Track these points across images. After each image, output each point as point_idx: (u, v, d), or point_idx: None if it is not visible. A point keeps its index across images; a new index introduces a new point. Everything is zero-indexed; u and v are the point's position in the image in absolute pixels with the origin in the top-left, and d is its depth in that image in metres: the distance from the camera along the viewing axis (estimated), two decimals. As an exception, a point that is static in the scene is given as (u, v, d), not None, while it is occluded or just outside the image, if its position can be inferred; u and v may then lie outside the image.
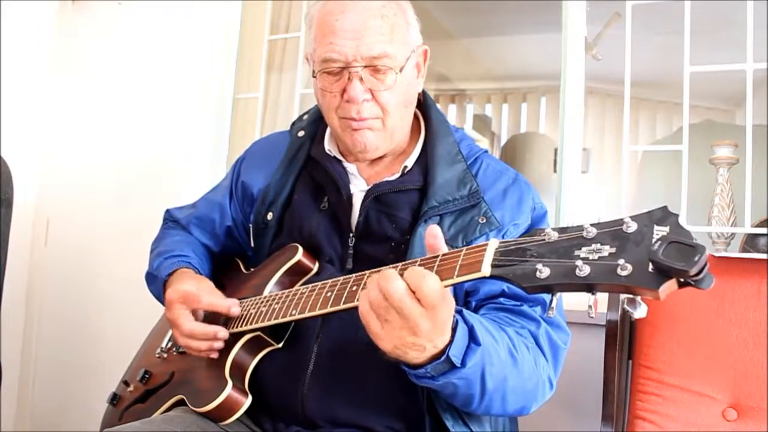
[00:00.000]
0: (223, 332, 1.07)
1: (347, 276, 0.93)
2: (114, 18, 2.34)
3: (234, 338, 1.08)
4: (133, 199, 2.20)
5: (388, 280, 0.77)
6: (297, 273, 1.13)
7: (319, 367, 1.06)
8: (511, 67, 3.78)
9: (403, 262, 0.85)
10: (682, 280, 0.61)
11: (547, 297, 0.70)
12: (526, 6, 2.88)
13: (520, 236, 0.77)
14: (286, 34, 2.26)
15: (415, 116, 1.19)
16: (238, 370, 1.07)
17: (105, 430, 1.10)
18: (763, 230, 1.70)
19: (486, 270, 0.74)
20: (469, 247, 0.79)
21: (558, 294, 0.69)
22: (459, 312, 0.88)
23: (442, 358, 0.84)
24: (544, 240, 0.71)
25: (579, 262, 0.66)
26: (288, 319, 0.99)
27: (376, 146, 1.10)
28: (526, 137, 3.77)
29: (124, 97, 2.29)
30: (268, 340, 1.09)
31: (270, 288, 1.11)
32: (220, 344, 1.08)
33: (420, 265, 0.81)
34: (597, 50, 2.03)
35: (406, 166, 1.13)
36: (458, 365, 0.85)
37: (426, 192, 1.09)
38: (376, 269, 0.88)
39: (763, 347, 1.35)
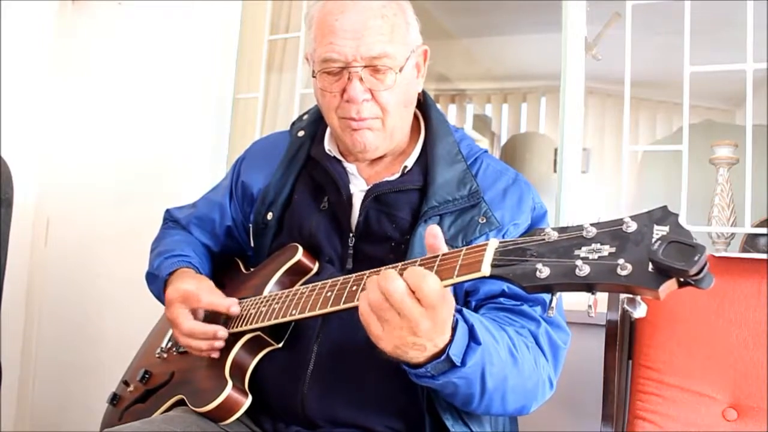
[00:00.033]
0: (222, 331, 1.07)
1: (347, 276, 0.93)
2: (114, 18, 2.34)
3: (234, 338, 1.08)
4: (133, 199, 2.20)
5: (388, 280, 0.77)
6: (297, 273, 1.13)
7: (319, 367, 1.06)
8: (511, 67, 3.78)
9: (403, 262, 0.85)
10: (682, 279, 0.61)
11: (546, 297, 0.70)
12: (526, 6, 2.88)
13: (520, 236, 0.77)
14: (286, 34, 2.26)
15: (415, 116, 1.19)
16: (238, 370, 1.07)
17: (105, 430, 1.10)
18: (763, 230, 1.70)
19: (486, 270, 0.74)
20: (469, 247, 0.79)
21: (558, 294, 0.69)
22: (459, 311, 0.88)
23: (442, 357, 0.84)
24: (543, 240, 0.71)
25: (579, 262, 0.66)
26: (288, 318, 0.99)
27: (376, 146, 1.10)
28: (526, 137, 3.77)
29: (124, 97, 2.29)
30: (268, 340, 1.09)
31: (270, 288, 1.11)
32: (220, 343, 1.08)
33: (420, 265, 0.81)
34: (597, 50, 2.03)
35: (406, 166, 1.13)
36: (458, 364, 0.85)
37: (426, 192, 1.09)
38: (375, 269, 0.88)
39: (763, 347, 1.35)
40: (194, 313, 1.11)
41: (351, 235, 1.12)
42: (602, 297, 1.49)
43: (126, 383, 1.29)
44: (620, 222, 0.67)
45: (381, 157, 1.16)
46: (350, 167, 1.16)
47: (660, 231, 0.64)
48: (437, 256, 0.81)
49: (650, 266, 0.62)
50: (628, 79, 1.73)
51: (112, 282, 2.20)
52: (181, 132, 2.20)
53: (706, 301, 1.41)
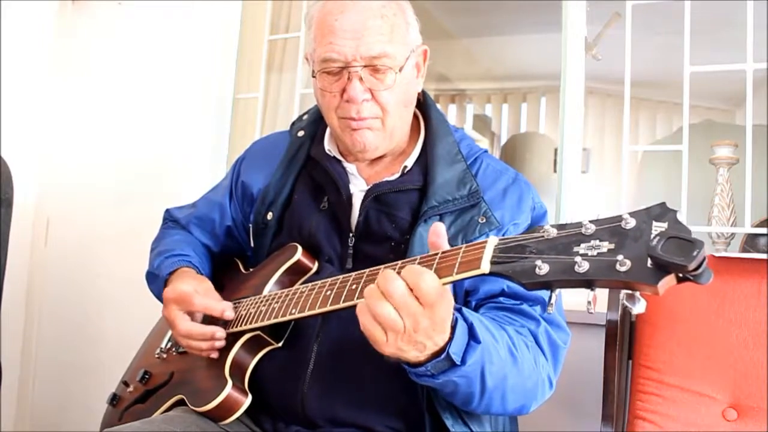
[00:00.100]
0: (220, 332, 1.07)
1: (347, 275, 0.93)
2: (114, 18, 2.34)
3: (234, 338, 1.08)
4: (133, 199, 2.20)
5: (388, 280, 0.77)
6: (296, 272, 1.13)
7: (319, 366, 1.06)
8: (511, 67, 3.78)
9: (402, 261, 0.85)
10: (680, 275, 0.61)
11: (546, 294, 0.70)
12: (526, 6, 2.88)
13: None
14: (286, 34, 2.26)
15: (415, 116, 1.19)
16: (237, 369, 1.07)
17: (105, 430, 1.10)
18: (763, 230, 1.70)
19: (485, 267, 0.74)
20: (469, 244, 0.79)
21: (557, 291, 0.69)
22: (458, 310, 0.88)
23: (442, 356, 0.84)
24: (543, 237, 0.71)
25: (578, 259, 0.66)
26: (287, 318, 0.99)
27: (376, 146, 1.10)
28: (526, 137, 3.77)
29: (124, 97, 2.29)
30: (268, 339, 1.09)
31: (269, 287, 1.11)
32: (220, 343, 1.08)
33: (419, 263, 0.81)
34: (597, 50, 2.03)
35: (405, 166, 1.13)
36: (458, 363, 0.85)
37: (426, 192, 1.09)
38: (375, 268, 0.88)
39: (763, 347, 1.35)
40: (192, 313, 1.11)
41: (351, 235, 1.12)
42: (602, 297, 1.49)
43: (126, 384, 1.29)
44: (619, 218, 0.67)
45: (381, 157, 1.16)
46: (350, 167, 1.16)
47: (659, 227, 0.64)
48: (436, 254, 0.81)
49: (649, 262, 0.62)
50: (628, 79, 1.73)
51: (112, 282, 2.20)
52: (181, 132, 2.20)
53: (706, 301, 1.41)
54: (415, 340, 0.79)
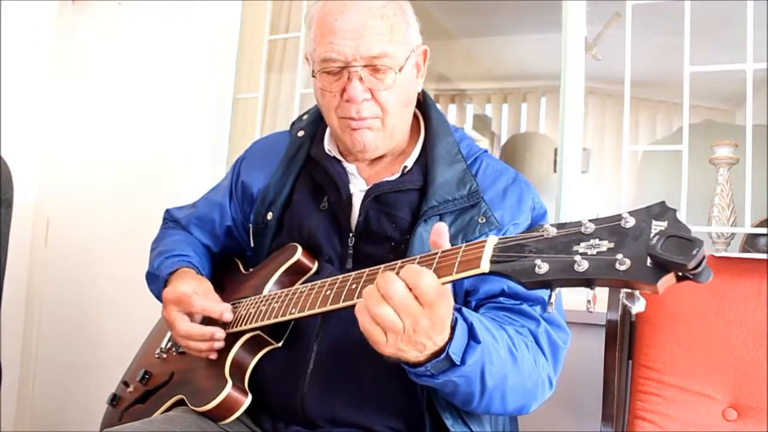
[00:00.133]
0: (220, 333, 1.07)
1: (346, 274, 0.93)
2: (114, 18, 2.34)
3: (233, 337, 1.08)
4: (133, 199, 2.20)
5: (388, 283, 0.77)
6: (296, 272, 1.13)
7: (319, 366, 1.06)
8: (511, 67, 3.78)
9: (402, 260, 0.85)
10: (680, 274, 0.61)
11: (546, 294, 0.70)
12: (526, 6, 2.88)
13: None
14: (286, 34, 2.26)
15: (415, 116, 1.19)
16: (237, 369, 1.06)
17: (105, 430, 1.10)
18: (763, 230, 1.70)
19: (485, 266, 0.74)
20: (468, 243, 0.79)
21: (557, 290, 0.69)
22: (458, 310, 0.88)
23: (442, 356, 0.84)
24: (542, 236, 0.71)
25: (577, 258, 0.66)
26: (287, 317, 0.99)
27: (376, 146, 1.10)
28: (526, 137, 3.77)
29: (124, 98, 2.29)
30: (268, 339, 1.09)
31: (269, 287, 1.11)
32: (220, 344, 1.08)
33: (419, 262, 0.81)
34: (597, 50, 2.03)
35: (405, 166, 1.13)
36: (458, 363, 0.85)
37: (426, 192, 1.09)
38: (375, 267, 0.88)
39: (763, 347, 1.34)
40: (191, 314, 1.10)
41: (351, 234, 1.12)
42: (602, 297, 1.49)
43: (126, 384, 1.29)
44: (618, 217, 0.67)
45: (381, 157, 1.16)
46: (350, 167, 1.16)
47: (658, 226, 0.64)
48: (436, 254, 0.81)
49: (649, 261, 0.62)
50: (628, 79, 1.73)
51: (112, 282, 2.20)
52: (181, 132, 2.20)
53: (706, 301, 1.41)
54: (415, 341, 0.79)
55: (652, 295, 0.63)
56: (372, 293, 0.78)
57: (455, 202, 1.07)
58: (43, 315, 2.33)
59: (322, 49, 1.05)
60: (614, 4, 2.02)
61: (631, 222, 0.66)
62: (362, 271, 0.90)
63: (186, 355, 1.16)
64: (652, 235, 0.63)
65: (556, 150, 1.86)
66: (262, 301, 1.07)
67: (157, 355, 1.25)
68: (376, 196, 1.11)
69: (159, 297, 1.22)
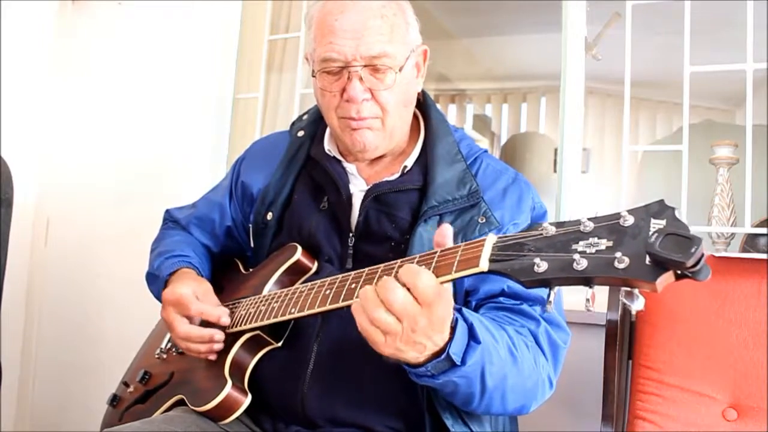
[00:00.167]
0: (219, 335, 1.07)
1: (346, 273, 0.93)
2: (114, 18, 2.34)
3: (233, 337, 1.08)
4: (133, 199, 2.20)
5: (389, 291, 0.77)
6: (296, 272, 1.13)
7: (319, 366, 1.06)
8: (511, 67, 3.78)
9: (401, 259, 0.85)
10: (679, 271, 0.61)
11: (545, 293, 0.70)
12: (526, 6, 2.88)
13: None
14: (286, 34, 2.26)
15: (415, 116, 1.19)
16: (237, 369, 1.06)
17: (105, 430, 1.10)
18: (763, 230, 1.70)
19: (484, 265, 0.74)
20: (467, 242, 0.79)
21: (556, 288, 0.69)
22: (458, 310, 0.88)
23: (443, 356, 0.84)
24: (541, 234, 0.71)
25: (576, 256, 0.66)
26: (287, 317, 0.99)
27: (376, 146, 1.10)
28: (526, 137, 3.76)
29: (124, 98, 2.29)
30: (268, 339, 1.09)
31: (269, 287, 1.11)
32: (219, 345, 1.08)
33: (418, 261, 0.81)
34: (597, 50, 2.03)
35: (405, 166, 1.13)
36: (458, 363, 0.85)
37: (426, 192, 1.09)
38: (374, 267, 0.88)
39: (763, 347, 1.34)
40: (189, 316, 1.10)
41: (351, 234, 1.12)
42: (602, 297, 1.49)
43: (126, 384, 1.29)
44: (617, 216, 0.67)
45: (381, 157, 1.16)
46: (350, 167, 1.16)
47: (657, 224, 0.64)
48: (435, 253, 0.81)
49: (647, 259, 0.62)
50: (628, 79, 1.73)
51: (112, 282, 2.20)
52: (181, 132, 2.20)
53: (706, 301, 1.41)
54: (414, 341, 0.79)
55: (652, 294, 0.63)
56: (370, 297, 0.78)
57: (455, 202, 1.07)
58: (43, 315, 2.33)
59: (322, 49, 1.05)
60: (614, 4, 2.02)
61: (630, 220, 0.66)
62: (361, 270, 0.90)
63: (186, 356, 1.16)
64: (650, 233, 0.63)
65: (556, 150, 1.86)
66: (261, 301, 1.07)
67: (157, 356, 1.25)
68: (376, 196, 1.11)
69: (159, 298, 1.22)
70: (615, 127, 3.37)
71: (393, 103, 1.07)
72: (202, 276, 1.21)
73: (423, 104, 1.20)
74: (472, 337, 0.87)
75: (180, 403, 1.12)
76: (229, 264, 1.31)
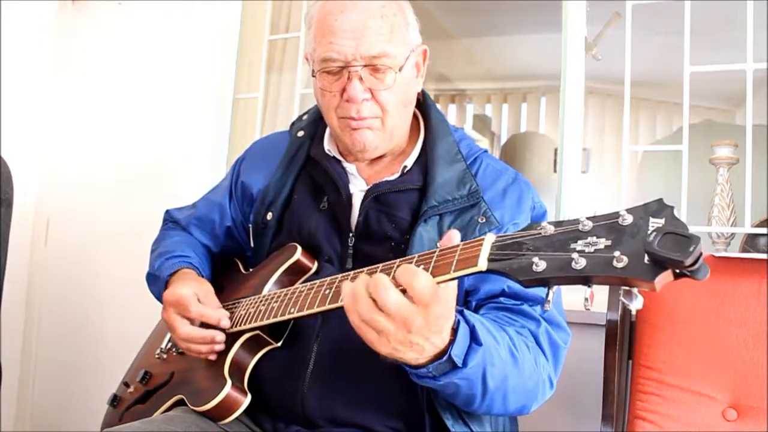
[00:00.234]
0: (220, 336, 1.07)
1: (345, 273, 0.93)
2: (114, 18, 2.34)
3: (233, 337, 1.08)
4: (133, 199, 2.20)
5: (380, 291, 0.76)
6: (296, 272, 1.13)
7: (319, 366, 1.06)
8: (511, 67, 3.78)
9: (400, 259, 0.85)
10: (677, 270, 0.61)
11: (544, 292, 0.70)
12: (526, 6, 2.88)
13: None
14: (286, 34, 2.26)
15: (415, 116, 1.19)
16: (237, 369, 1.06)
17: (105, 430, 1.10)
18: (763, 230, 1.70)
19: (482, 264, 0.73)
20: (466, 242, 0.78)
21: (554, 288, 0.69)
22: (460, 312, 0.88)
23: (444, 358, 0.84)
24: (540, 234, 0.71)
25: (575, 255, 0.66)
26: (287, 317, 0.99)
27: (376, 146, 1.10)
28: (526, 137, 3.76)
29: (124, 98, 2.29)
30: (267, 339, 1.09)
31: (269, 287, 1.11)
32: (220, 346, 1.08)
33: (417, 261, 0.81)
34: (597, 50, 2.03)
35: (405, 166, 1.13)
36: (460, 365, 0.85)
37: (426, 192, 1.09)
38: (373, 266, 0.88)
39: (763, 347, 1.34)
40: (190, 318, 1.10)
41: (351, 234, 1.12)
42: (602, 297, 1.49)
43: (126, 384, 1.29)
44: (616, 215, 0.67)
45: (380, 157, 1.16)
46: (350, 167, 1.16)
47: (656, 223, 0.64)
48: (434, 252, 0.81)
49: (646, 258, 0.62)
50: (628, 79, 1.73)
51: (112, 282, 2.20)
52: (181, 132, 2.20)
53: (706, 301, 1.41)
54: (410, 341, 0.79)
55: (651, 294, 0.63)
56: (360, 295, 0.78)
57: (455, 202, 1.07)
58: (43, 315, 2.33)
59: (322, 48, 1.05)
60: (614, 4, 2.02)
61: (628, 219, 0.66)
62: (360, 270, 0.90)
63: (186, 356, 1.16)
64: (649, 232, 0.63)
65: (556, 150, 1.86)
66: (261, 301, 1.07)
67: (157, 356, 1.25)
68: (376, 196, 1.11)
69: (159, 298, 1.22)
70: (615, 127, 3.37)
71: (393, 103, 1.07)
72: (202, 276, 1.21)
73: (423, 104, 1.20)
74: (474, 339, 0.87)
75: (180, 403, 1.12)
76: (229, 264, 1.31)
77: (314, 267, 1.14)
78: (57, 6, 2.38)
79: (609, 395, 1.41)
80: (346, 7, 1.04)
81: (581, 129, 1.81)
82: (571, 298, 1.20)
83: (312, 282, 0.99)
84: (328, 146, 1.18)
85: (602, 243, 0.66)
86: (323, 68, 1.07)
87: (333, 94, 1.07)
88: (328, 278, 0.96)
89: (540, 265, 0.68)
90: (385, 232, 1.10)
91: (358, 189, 1.14)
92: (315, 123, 1.25)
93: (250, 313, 1.07)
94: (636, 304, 0.65)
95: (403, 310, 0.76)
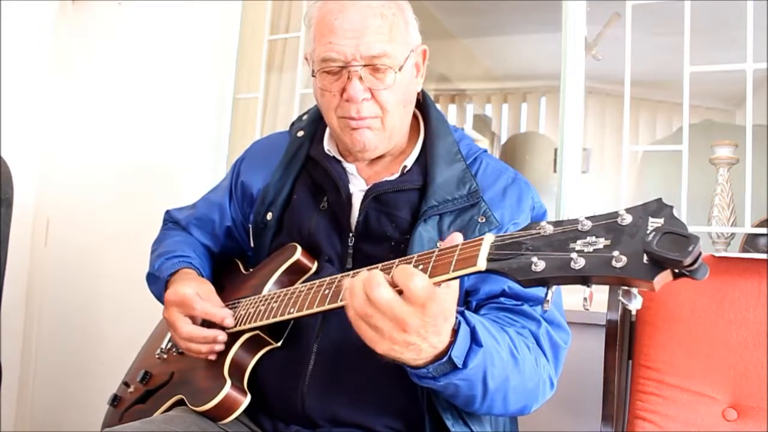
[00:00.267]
0: (222, 336, 1.07)
1: (345, 273, 0.93)
2: (114, 18, 2.34)
3: (233, 337, 1.08)
4: (133, 199, 2.20)
5: (373, 287, 0.76)
6: (296, 272, 1.13)
7: (319, 366, 1.06)
8: (511, 67, 3.78)
9: (400, 259, 0.85)
10: (676, 270, 0.61)
11: (543, 292, 0.70)
12: (526, 6, 2.88)
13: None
14: (286, 34, 2.26)
15: (415, 116, 1.19)
16: (236, 369, 1.06)
17: (105, 430, 1.10)
18: (763, 230, 1.69)
19: (481, 264, 0.73)
20: (465, 242, 0.78)
21: (553, 287, 0.69)
22: (461, 313, 0.88)
23: (444, 359, 0.84)
24: (539, 233, 0.71)
25: (574, 255, 0.66)
26: (286, 317, 0.99)
27: (375, 145, 1.10)
28: (526, 137, 3.76)
29: (124, 97, 2.29)
30: (267, 339, 1.09)
31: (269, 287, 1.11)
32: (220, 346, 1.08)
33: (417, 261, 0.81)
34: (597, 50, 2.04)
35: (405, 166, 1.13)
36: (460, 366, 0.85)
37: (425, 191, 1.09)
38: (373, 266, 0.88)
39: (763, 347, 1.34)
40: (192, 316, 1.10)
41: (351, 234, 1.12)
42: (603, 297, 1.49)
43: (126, 384, 1.29)
44: (615, 215, 0.67)
45: (380, 157, 1.16)
46: (350, 167, 1.16)
47: (655, 223, 0.64)
48: (433, 252, 0.81)
49: (645, 258, 0.62)
50: (628, 79, 1.73)
51: (112, 282, 2.20)
52: (181, 132, 2.21)
53: (706, 302, 1.41)
54: (406, 341, 0.79)
55: (651, 294, 0.63)
56: (356, 291, 0.78)
57: (455, 202, 1.07)
58: (43, 315, 2.33)
59: (322, 48, 1.05)
60: (614, 4, 2.02)
61: (627, 219, 0.66)
62: (360, 270, 0.90)
63: (186, 356, 1.16)
64: (648, 231, 0.63)
65: (556, 150, 1.86)
66: (261, 301, 1.07)
67: (157, 356, 1.25)
68: (376, 195, 1.11)
69: (159, 298, 1.22)
70: (615, 127, 3.37)
71: (393, 102, 1.07)
72: (202, 276, 1.21)
73: (423, 104, 1.20)
74: (475, 340, 0.87)
75: (180, 403, 1.12)
76: (230, 264, 1.31)
77: (314, 267, 1.14)
78: (57, 6, 2.38)
79: (609, 395, 1.41)
80: (346, 7, 1.04)
81: (581, 129, 1.81)
82: (571, 298, 1.20)
83: (312, 282, 0.99)
84: (328, 146, 1.18)
85: (601, 243, 0.66)
86: (323, 68, 1.07)
87: (333, 94, 1.07)
88: (328, 278, 0.96)
89: (539, 264, 0.68)
90: (385, 231, 1.10)
91: (358, 189, 1.14)
92: (315, 123, 1.25)
93: (249, 313, 1.07)
94: (635, 304, 0.65)
95: (396, 308, 0.76)
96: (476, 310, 1.05)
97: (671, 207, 0.65)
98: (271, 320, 1.02)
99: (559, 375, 1.05)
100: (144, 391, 1.22)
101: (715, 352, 1.38)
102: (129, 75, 2.29)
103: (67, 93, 2.37)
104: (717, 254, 1.47)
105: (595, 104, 3.36)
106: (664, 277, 0.61)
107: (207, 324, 1.09)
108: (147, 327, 1.39)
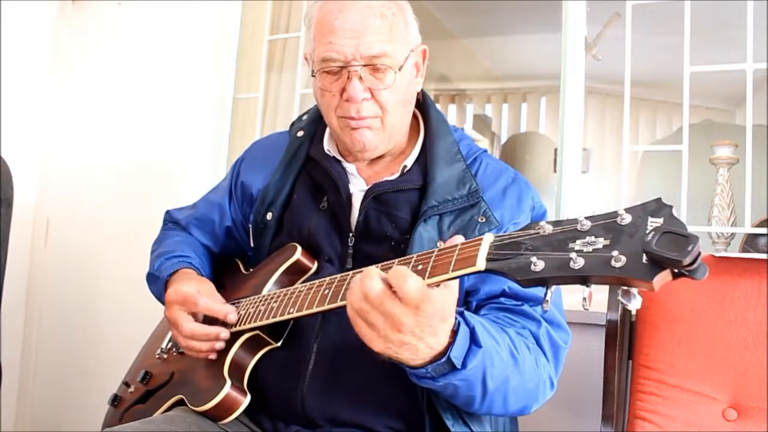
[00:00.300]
0: (224, 333, 1.07)
1: (344, 273, 0.93)
2: (114, 18, 2.34)
3: (233, 337, 1.08)
4: (133, 199, 2.20)
5: (366, 280, 0.77)
6: (296, 272, 1.13)
7: (319, 366, 1.06)
8: (511, 67, 3.78)
9: (399, 259, 0.85)
10: (676, 270, 0.61)
11: (543, 292, 0.70)
12: (526, 6, 2.88)
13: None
14: (286, 34, 2.26)
15: (414, 116, 1.19)
16: (236, 369, 1.07)
17: (105, 430, 1.10)
18: (763, 230, 1.69)
19: (481, 264, 0.73)
20: (465, 242, 0.78)
21: (553, 287, 0.69)
22: (461, 314, 0.88)
23: (443, 360, 0.84)
24: (538, 233, 0.71)
25: (573, 255, 0.66)
26: (286, 317, 0.99)
27: (375, 145, 1.10)
28: (526, 137, 3.77)
29: (124, 97, 2.29)
30: (267, 339, 1.09)
31: (269, 287, 1.11)
32: (221, 344, 1.08)
33: (416, 261, 0.81)
34: (597, 50, 2.04)
35: (405, 166, 1.13)
36: (459, 367, 0.85)
37: (425, 191, 1.09)
38: (372, 267, 0.88)
39: (763, 347, 1.34)
40: (194, 314, 1.10)
41: (351, 234, 1.12)
42: (603, 297, 1.49)
43: (126, 384, 1.29)
44: (615, 215, 0.67)
45: (380, 157, 1.16)
46: (350, 167, 1.16)
47: (654, 222, 0.64)
48: (433, 252, 0.81)
49: (644, 257, 0.62)
50: (628, 79, 1.73)
51: (112, 282, 2.20)
52: (181, 132, 2.21)
53: (706, 302, 1.41)
54: (401, 340, 0.79)
55: (651, 294, 0.63)
56: (354, 289, 0.79)
57: (455, 202, 1.07)
58: (43, 315, 2.33)
59: (322, 48, 1.05)
60: (614, 4, 2.02)
61: (627, 219, 0.66)
62: (360, 270, 0.90)
63: (186, 356, 1.16)
64: (647, 231, 0.63)
65: (556, 150, 1.86)
66: (261, 301, 1.07)
67: (157, 356, 1.25)
68: (376, 195, 1.11)
69: (159, 298, 1.22)
70: (615, 127, 3.37)
71: (393, 102, 1.07)
72: (203, 276, 1.21)
73: (422, 104, 1.20)
74: (474, 340, 0.87)
75: (180, 403, 1.12)
76: (230, 264, 1.31)
77: (314, 267, 1.14)
78: (57, 6, 2.38)
79: (609, 395, 1.41)
80: (346, 7, 1.04)
81: (581, 129, 1.81)
82: (570, 298, 1.19)
83: (312, 282, 0.99)
84: (328, 146, 1.18)
85: (601, 242, 0.66)
86: (323, 68, 1.07)
87: (333, 93, 1.07)
88: (328, 278, 0.96)
89: (538, 264, 0.68)
90: (385, 231, 1.10)
91: (357, 189, 1.14)
92: (315, 123, 1.25)
93: (249, 313, 1.07)
94: (635, 304, 0.65)
95: (386, 303, 0.76)
96: (476, 311, 1.05)
97: (670, 207, 0.65)
98: (271, 320, 1.02)
99: (559, 375, 1.05)
100: (144, 391, 1.22)
101: (715, 352, 1.38)
102: (129, 75, 2.29)
103: (67, 93, 2.37)
104: (717, 254, 1.47)
105: (595, 104, 3.36)
106: (663, 277, 0.61)
107: (208, 323, 1.10)
108: (147, 327, 1.39)
